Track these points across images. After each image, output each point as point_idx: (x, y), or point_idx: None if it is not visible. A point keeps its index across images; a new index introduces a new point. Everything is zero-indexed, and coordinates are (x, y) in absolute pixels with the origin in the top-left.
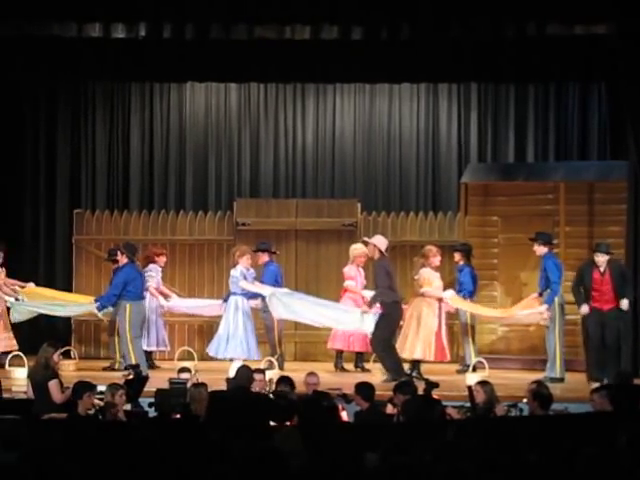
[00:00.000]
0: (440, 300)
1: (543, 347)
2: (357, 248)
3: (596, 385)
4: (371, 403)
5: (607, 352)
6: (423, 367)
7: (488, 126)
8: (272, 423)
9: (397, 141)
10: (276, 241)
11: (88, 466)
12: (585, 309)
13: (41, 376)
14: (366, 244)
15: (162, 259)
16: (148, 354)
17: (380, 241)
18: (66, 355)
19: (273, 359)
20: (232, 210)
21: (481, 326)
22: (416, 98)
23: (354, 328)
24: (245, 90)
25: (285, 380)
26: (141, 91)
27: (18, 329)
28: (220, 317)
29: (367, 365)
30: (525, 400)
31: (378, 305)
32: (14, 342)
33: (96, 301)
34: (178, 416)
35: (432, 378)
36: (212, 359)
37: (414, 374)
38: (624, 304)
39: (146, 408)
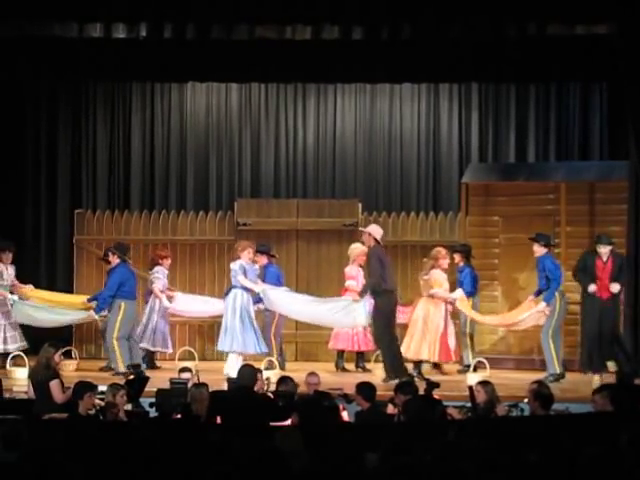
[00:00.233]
0: (447, 301)
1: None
2: (357, 247)
3: (595, 378)
4: (372, 403)
5: (602, 341)
6: (426, 367)
7: (489, 126)
8: (272, 423)
9: (398, 141)
10: (277, 241)
11: (89, 466)
12: (593, 287)
13: (42, 376)
14: (361, 234)
15: (167, 261)
16: (150, 354)
17: (375, 230)
18: (67, 355)
19: (273, 359)
20: (233, 210)
21: (482, 326)
22: (417, 98)
23: (350, 326)
24: (246, 90)
25: (286, 380)
26: (142, 91)
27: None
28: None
29: (368, 365)
30: (526, 400)
31: (370, 298)
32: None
33: (89, 301)
34: (179, 416)
35: (433, 378)
36: (213, 359)
37: (415, 374)
38: (614, 287)
39: (147, 408)
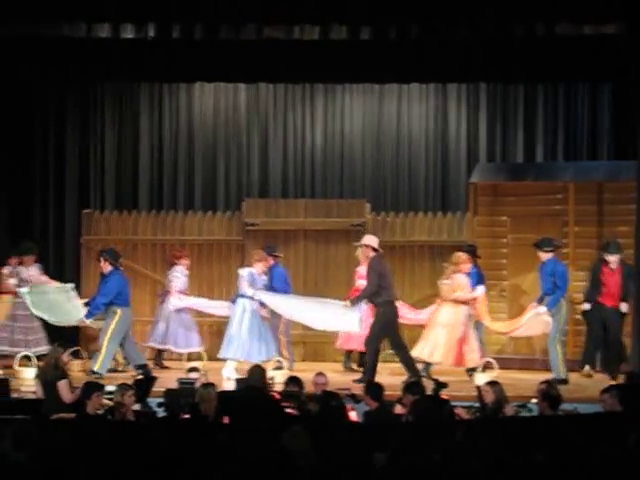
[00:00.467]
0: (470, 303)
1: None
2: None
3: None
4: (380, 403)
5: (610, 347)
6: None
7: (497, 126)
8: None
9: (406, 141)
10: (285, 241)
11: (97, 466)
12: (587, 307)
13: (51, 376)
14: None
15: (184, 261)
16: (158, 352)
17: (370, 240)
18: (75, 355)
19: (282, 359)
20: (241, 210)
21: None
22: (425, 98)
23: (343, 329)
24: (254, 90)
25: (294, 380)
26: (150, 91)
27: None
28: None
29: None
30: (534, 400)
31: (364, 306)
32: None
33: (85, 304)
34: (187, 416)
35: (441, 378)
36: (221, 359)
37: (424, 374)
38: (623, 307)
39: (155, 408)
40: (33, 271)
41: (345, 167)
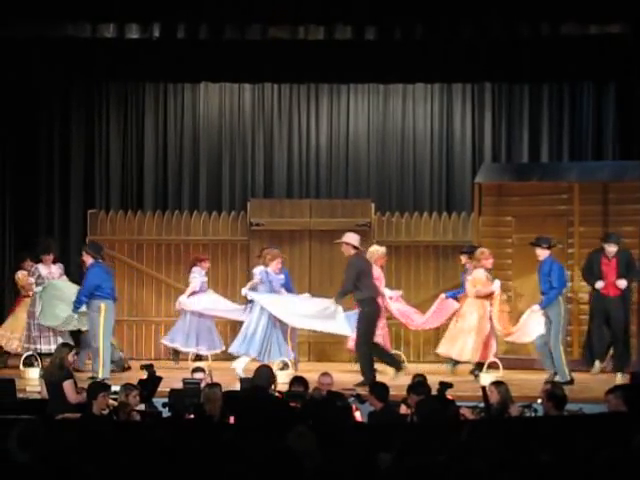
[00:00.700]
0: (489, 298)
1: None
2: (378, 250)
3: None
4: (385, 403)
5: (614, 339)
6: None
7: (502, 126)
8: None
9: (411, 141)
10: (290, 242)
11: (102, 466)
12: (600, 284)
13: (56, 376)
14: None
15: (204, 264)
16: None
17: (351, 237)
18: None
19: (287, 360)
20: (246, 210)
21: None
22: (430, 98)
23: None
24: (259, 90)
25: (299, 381)
26: (155, 91)
27: None
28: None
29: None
30: (539, 400)
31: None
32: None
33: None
34: (192, 416)
35: (446, 379)
36: (226, 359)
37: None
38: (620, 283)
39: (160, 408)
40: (54, 269)
41: (350, 167)
